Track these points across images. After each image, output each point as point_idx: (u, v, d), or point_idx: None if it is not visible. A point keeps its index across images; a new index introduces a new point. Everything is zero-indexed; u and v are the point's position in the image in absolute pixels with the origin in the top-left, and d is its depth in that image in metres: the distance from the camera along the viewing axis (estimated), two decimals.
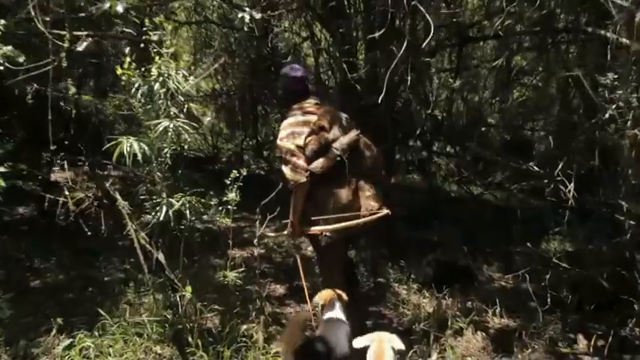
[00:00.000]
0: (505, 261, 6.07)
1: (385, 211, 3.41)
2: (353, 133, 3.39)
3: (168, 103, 3.26)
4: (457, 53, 7.46)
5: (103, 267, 5.07)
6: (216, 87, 9.62)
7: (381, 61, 5.26)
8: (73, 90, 4.96)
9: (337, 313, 3.13)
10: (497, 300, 4.72)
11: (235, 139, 10.59)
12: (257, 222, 4.01)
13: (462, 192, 10.11)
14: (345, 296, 3.24)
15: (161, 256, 3.51)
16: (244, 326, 3.79)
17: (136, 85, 3.26)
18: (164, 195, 3.30)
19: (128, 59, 3.19)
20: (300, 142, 3.31)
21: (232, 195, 3.65)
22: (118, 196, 3.78)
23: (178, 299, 3.46)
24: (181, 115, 3.29)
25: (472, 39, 7.29)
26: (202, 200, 3.48)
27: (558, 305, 4.50)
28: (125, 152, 3.12)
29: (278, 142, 3.42)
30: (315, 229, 3.40)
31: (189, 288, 3.41)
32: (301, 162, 3.28)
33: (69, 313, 3.99)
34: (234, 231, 4.45)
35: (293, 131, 3.37)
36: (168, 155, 3.31)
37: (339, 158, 3.27)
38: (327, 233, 3.37)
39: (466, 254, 5.97)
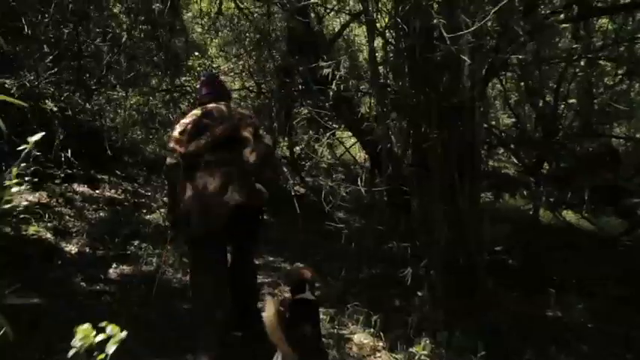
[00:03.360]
0: None
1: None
2: (233, 122, 3.11)
3: None
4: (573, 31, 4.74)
5: None
6: (246, 84, 7.29)
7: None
8: None
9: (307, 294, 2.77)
10: None
11: None
12: None
13: (548, 215, 7.50)
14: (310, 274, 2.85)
15: None
16: None
17: None
18: None
19: None
20: (181, 128, 3.09)
21: None
22: None
23: None
24: None
25: (601, 10, 4.57)
26: None
27: None
28: None
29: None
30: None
31: None
32: (177, 146, 3.03)
33: None
34: None
35: (181, 122, 3.17)
36: None
37: (209, 140, 3.01)
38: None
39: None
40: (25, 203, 4.73)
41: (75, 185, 5.45)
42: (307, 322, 2.69)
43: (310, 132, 4.54)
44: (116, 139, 6.49)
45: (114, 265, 4.07)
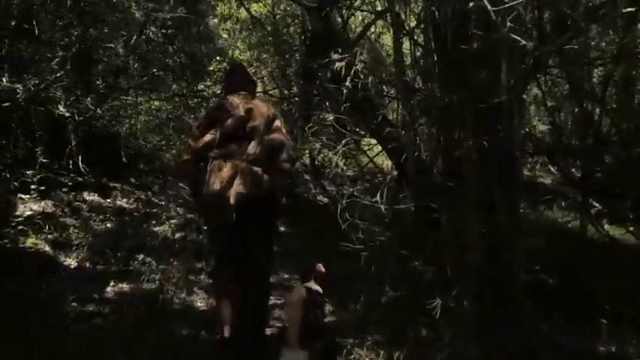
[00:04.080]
0: None
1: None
2: (243, 114, 2.95)
3: None
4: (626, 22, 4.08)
5: None
6: (266, 89, 6.91)
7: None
8: None
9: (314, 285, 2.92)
10: None
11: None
12: None
13: (590, 229, 6.80)
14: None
15: None
16: None
17: None
18: None
19: None
20: (198, 123, 3.13)
21: None
22: None
23: None
24: None
25: None
26: None
27: None
28: None
29: None
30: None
31: None
32: (191, 141, 3.01)
33: None
34: None
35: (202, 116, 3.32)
36: None
37: (217, 134, 2.92)
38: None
39: None
40: (29, 213, 4.41)
41: (85, 194, 5.12)
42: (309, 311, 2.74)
43: (324, 139, 4.08)
44: (131, 145, 6.18)
45: (112, 283, 3.69)
